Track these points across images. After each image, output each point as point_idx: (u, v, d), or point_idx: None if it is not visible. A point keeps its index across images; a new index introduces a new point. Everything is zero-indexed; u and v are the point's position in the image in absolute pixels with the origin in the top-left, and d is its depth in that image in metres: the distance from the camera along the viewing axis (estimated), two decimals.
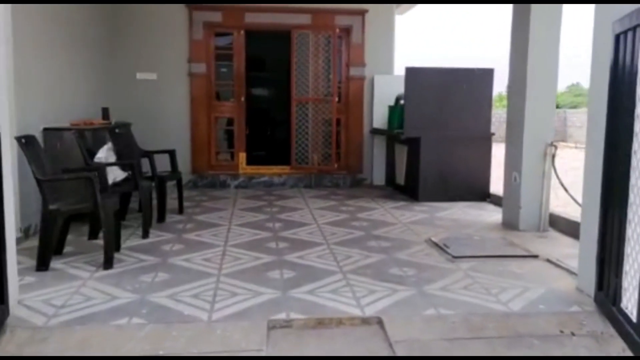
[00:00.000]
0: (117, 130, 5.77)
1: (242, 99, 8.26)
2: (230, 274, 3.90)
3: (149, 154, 5.67)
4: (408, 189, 7.28)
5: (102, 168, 4.37)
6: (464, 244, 4.69)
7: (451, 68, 6.93)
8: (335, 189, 7.90)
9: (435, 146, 6.83)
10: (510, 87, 5.51)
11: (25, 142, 3.84)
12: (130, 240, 4.81)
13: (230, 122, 8.51)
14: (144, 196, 4.83)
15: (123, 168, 5.10)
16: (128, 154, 5.54)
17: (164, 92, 7.98)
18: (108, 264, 3.91)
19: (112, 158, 5.02)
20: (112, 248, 3.98)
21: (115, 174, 4.91)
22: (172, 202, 6.12)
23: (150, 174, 5.72)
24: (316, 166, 8.25)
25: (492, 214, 6.14)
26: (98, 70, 7.26)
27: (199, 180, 7.90)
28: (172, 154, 6.08)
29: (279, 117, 10.13)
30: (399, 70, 8.52)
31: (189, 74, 7.97)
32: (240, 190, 7.80)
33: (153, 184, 5.50)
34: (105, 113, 7.17)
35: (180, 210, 6.08)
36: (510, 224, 5.47)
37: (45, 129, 5.21)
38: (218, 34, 8.21)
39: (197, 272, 3.93)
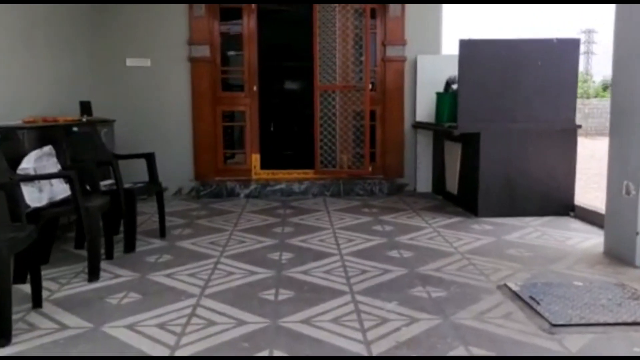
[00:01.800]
0: (74, 129, 4.36)
1: (255, 88, 6.76)
2: (206, 351, 2.42)
3: (112, 162, 4.20)
4: (463, 199, 5.64)
5: (8, 185, 2.93)
6: (562, 295, 3.05)
7: (520, 39, 5.25)
8: (369, 199, 6.32)
9: (500, 144, 5.17)
10: (617, 59, 3.82)
11: None
12: (69, 285, 3.38)
13: (241, 116, 7.04)
14: (89, 223, 3.37)
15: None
16: (87, 161, 4.12)
17: (160, 82, 6.57)
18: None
19: (51, 167, 3.61)
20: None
21: (53, 192, 3.49)
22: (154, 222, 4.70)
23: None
24: (345, 170, 6.69)
25: (584, 237, 4.44)
26: (77, 54, 5.90)
27: (203, 189, 6.45)
28: (149, 158, 4.63)
29: (300, 110, 8.62)
30: (449, 49, 6.89)
31: (189, 58, 6.54)
32: (251, 201, 6.31)
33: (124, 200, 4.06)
34: (84, 108, 5.81)
35: (162, 233, 4.63)
36: (618, 256, 3.79)
37: None
38: (224, 11, 6.73)
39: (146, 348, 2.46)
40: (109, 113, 6.19)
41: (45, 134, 4.12)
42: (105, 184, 4.30)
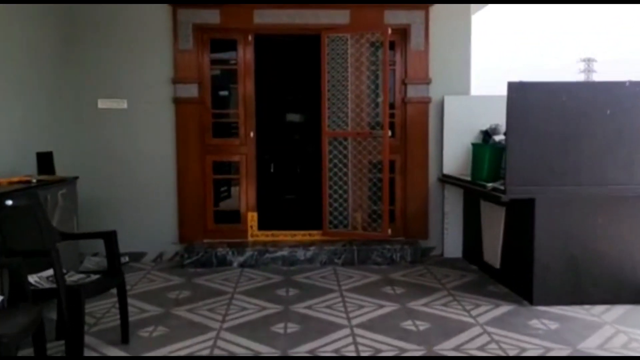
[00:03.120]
0: (8, 202, 3.25)
1: (252, 134, 5.70)
2: None
3: (50, 253, 3.04)
4: (510, 277, 4.53)
5: None
6: None
7: (584, 82, 4.35)
8: (390, 270, 5.20)
9: (560, 212, 4.09)
10: None
11: None
12: None
13: (234, 167, 5.97)
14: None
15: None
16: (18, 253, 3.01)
17: (138, 127, 5.51)
18: None
19: None
20: None
21: None
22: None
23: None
24: (360, 231, 5.60)
25: None
26: (37, 94, 4.84)
27: (188, 256, 5.33)
28: (108, 238, 3.51)
29: (304, 159, 7.60)
30: (478, 89, 5.89)
31: (173, 99, 5.49)
32: (247, 272, 5.18)
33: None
34: (44, 161, 4.74)
35: (125, 337, 3.48)
36: None
37: None
38: (215, 42, 5.71)
39: None
40: (74, 166, 5.13)
41: None
42: (48, 275, 3.20)
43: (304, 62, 7.32)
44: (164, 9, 5.41)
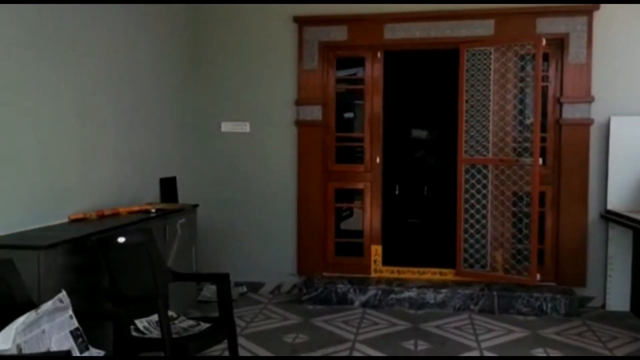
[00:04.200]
0: (120, 240, 3.02)
1: (378, 159, 5.20)
2: None
3: (157, 302, 2.69)
4: None
5: None
6: None
7: None
8: (539, 323, 4.38)
9: None
10: None
11: None
12: None
13: (357, 195, 5.50)
14: None
15: None
16: (130, 297, 2.75)
17: (260, 150, 5.24)
18: None
19: (56, 332, 2.25)
20: None
21: None
22: None
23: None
24: (501, 273, 4.84)
25: None
26: (162, 120, 4.74)
27: (306, 291, 4.92)
28: (220, 282, 3.16)
29: (435, 187, 6.92)
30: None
31: (296, 122, 5.15)
32: (369, 314, 4.65)
33: None
34: (167, 187, 4.62)
35: None
36: None
37: None
38: (341, 60, 5.30)
39: None
40: (195, 191, 4.99)
41: (73, 253, 2.84)
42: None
43: (433, 76, 6.72)
44: (290, 28, 5.10)
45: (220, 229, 5.22)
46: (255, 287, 5.26)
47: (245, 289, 5.22)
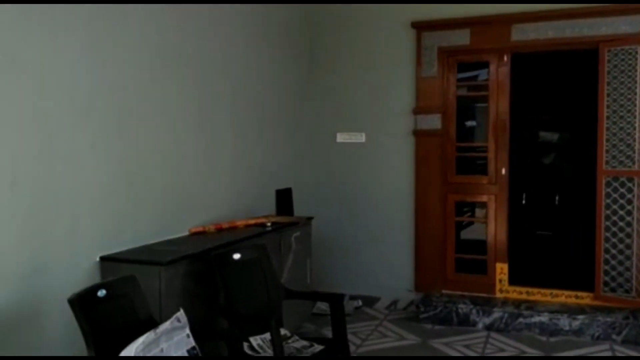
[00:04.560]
0: (235, 257, 3.02)
1: (504, 171, 4.82)
2: None
3: (270, 322, 2.60)
4: None
5: None
6: None
7: None
8: None
9: None
10: None
11: None
12: None
13: (479, 206, 5.15)
14: None
15: None
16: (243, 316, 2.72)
17: (376, 162, 5.09)
18: None
19: (173, 351, 2.26)
20: None
21: None
22: None
23: None
24: None
25: None
26: (280, 131, 4.78)
27: (424, 309, 4.67)
28: (334, 302, 3.04)
29: (568, 196, 6.30)
30: None
31: (414, 132, 4.94)
32: (494, 338, 4.31)
33: None
34: (283, 198, 4.64)
35: None
36: None
37: (103, 259, 2.78)
38: (463, 65, 5.00)
39: None
40: (310, 203, 4.96)
41: (192, 269, 2.89)
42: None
43: (564, 78, 6.15)
44: (407, 34, 4.90)
45: (335, 242, 5.15)
46: (370, 301, 5.11)
47: (360, 302, 5.09)
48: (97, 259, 2.76)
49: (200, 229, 3.54)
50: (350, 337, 4.22)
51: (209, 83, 3.76)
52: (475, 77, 5.22)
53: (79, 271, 2.65)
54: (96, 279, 2.72)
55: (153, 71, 3.19)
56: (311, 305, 4.74)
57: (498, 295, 4.80)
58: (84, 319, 2.10)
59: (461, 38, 4.76)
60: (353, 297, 5.05)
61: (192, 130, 3.59)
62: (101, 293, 2.27)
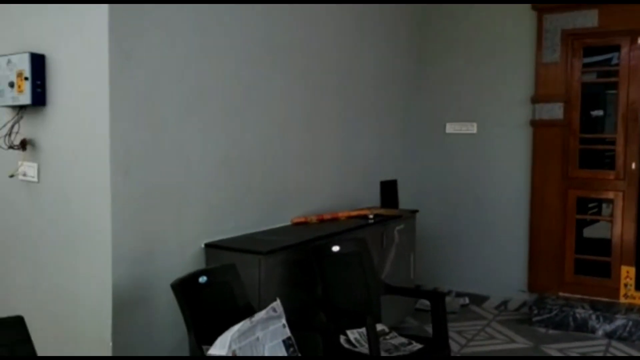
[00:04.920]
0: (334, 249, 3.01)
1: (633, 165, 4.36)
2: None
3: (366, 319, 2.54)
4: None
5: None
6: None
7: None
8: None
9: None
10: None
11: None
12: None
13: (606, 206, 4.70)
14: None
15: None
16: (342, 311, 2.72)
17: (488, 154, 4.84)
18: None
19: (268, 340, 2.31)
20: None
21: None
22: None
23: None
24: None
25: None
26: (387, 121, 4.70)
27: (537, 312, 4.38)
28: (435, 300, 2.93)
29: None
30: None
31: (531, 122, 4.62)
32: (616, 346, 3.93)
33: None
34: (388, 190, 4.59)
35: None
36: None
37: (207, 246, 2.91)
38: (589, 50, 4.57)
39: None
40: (416, 195, 4.84)
41: (291, 259, 2.93)
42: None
43: None
44: (527, 18, 4.58)
45: (442, 236, 4.98)
46: (478, 299, 4.89)
47: (467, 300, 4.89)
48: (202, 245, 2.89)
49: (302, 219, 3.58)
50: (454, 336, 4.09)
51: (315, 75, 3.77)
52: (607, 61, 4.75)
53: (185, 257, 2.79)
54: (201, 265, 2.85)
55: (259, 64, 3.25)
56: (414, 300, 4.63)
57: (622, 300, 4.38)
58: (185, 303, 2.20)
59: (588, 19, 4.35)
60: (460, 294, 4.87)
61: (296, 121, 3.62)
62: (202, 279, 2.38)
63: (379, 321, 3.03)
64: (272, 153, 3.40)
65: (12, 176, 2.68)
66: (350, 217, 3.83)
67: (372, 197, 4.49)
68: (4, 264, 2.83)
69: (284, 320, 2.46)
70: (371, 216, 3.86)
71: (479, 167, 4.87)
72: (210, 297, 2.38)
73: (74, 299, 2.56)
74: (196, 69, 2.83)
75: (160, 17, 2.60)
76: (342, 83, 4.07)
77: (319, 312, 2.82)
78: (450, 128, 4.98)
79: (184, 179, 2.78)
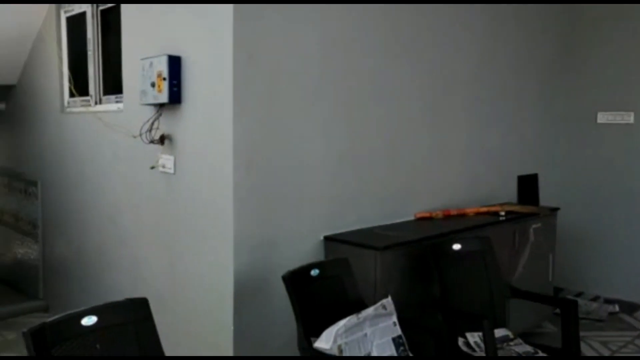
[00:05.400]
0: (455, 247, 2.89)
1: None
2: None
3: (483, 325, 2.40)
4: None
5: None
6: None
7: None
8: None
9: None
10: None
11: None
12: None
13: None
14: None
15: None
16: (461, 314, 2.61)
17: None
18: None
19: (378, 337, 2.29)
20: None
21: None
22: None
23: None
24: None
25: None
26: (526, 111, 4.40)
27: None
28: (566, 307, 2.67)
29: None
30: None
31: None
32: None
33: None
34: (526, 185, 4.32)
35: None
36: None
37: (327, 238, 2.97)
38: None
39: None
40: (558, 191, 4.46)
41: (408, 256, 2.87)
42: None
43: None
44: None
45: (588, 236, 4.54)
46: (630, 308, 4.40)
47: (617, 308, 4.42)
48: (322, 238, 2.94)
49: (427, 214, 3.49)
50: (597, 346, 3.74)
51: (444, 65, 3.62)
52: None
53: (304, 248, 2.87)
54: (320, 257, 2.91)
55: (382, 57, 3.21)
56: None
57: None
58: (295, 295, 2.26)
59: None
60: (608, 301, 4.42)
61: (423, 113, 3.52)
62: (314, 272, 2.43)
63: (503, 325, 2.86)
64: (396, 146, 3.35)
65: (152, 168, 2.96)
66: (479, 214, 3.65)
67: (508, 193, 4.23)
68: (146, 247, 3.14)
69: (394, 318, 2.43)
70: (502, 213, 3.64)
71: (636, 160, 4.34)
72: (321, 290, 2.42)
73: (201, 283, 2.77)
74: (316, 64, 2.87)
75: (281, 15, 2.68)
76: (474, 72, 3.87)
77: (436, 312, 2.73)
78: (602, 118, 4.50)
79: (303, 172, 2.85)
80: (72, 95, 3.89)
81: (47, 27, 4.01)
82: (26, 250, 4.53)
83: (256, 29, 2.60)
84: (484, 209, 3.71)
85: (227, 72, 2.54)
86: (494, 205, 3.84)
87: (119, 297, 1.94)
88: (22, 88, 4.46)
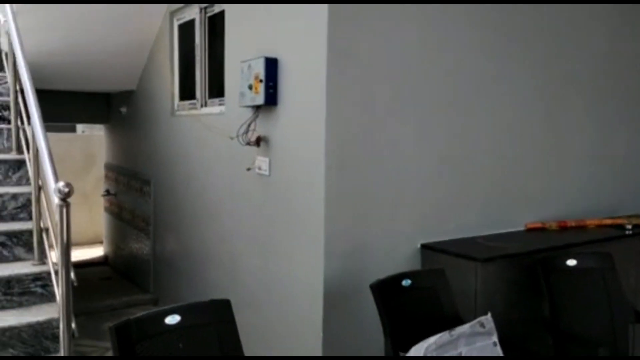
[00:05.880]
0: (570, 264, 2.58)
1: None
2: None
3: None
4: None
5: None
6: None
7: None
8: None
9: None
10: None
11: None
12: None
13: None
14: None
15: None
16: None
17: None
18: None
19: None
20: None
21: None
22: None
23: None
24: None
25: None
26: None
27: None
28: None
29: None
30: None
31: None
32: None
33: None
34: None
35: None
36: None
37: (424, 247, 2.80)
38: None
39: None
40: None
41: (514, 269, 2.62)
42: None
43: None
44: None
45: None
46: None
47: None
48: (418, 245, 2.78)
49: (539, 225, 3.19)
50: None
51: (560, 64, 3.29)
52: None
53: (399, 255, 2.72)
54: (416, 266, 2.75)
55: (489, 55, 2.98)
56: None
57: None
58: (383, 306, 2.13)
59: None
60: None
61: (536, 116, 3.23)
62: (406, 282, 2.28)
63: (625, 353, 2.51)
64: (504, 151, 3.10)
65: (249, 169, 2.97)
66: (600, 226, 3.27)
67: (637, 205, 3.77)
68: (243, 247, 3.17)
69: (495, 338, 2.20)
70: (629, 226, 3.23)
71: None
72: (414, 301, 2.27)
73: (292, 285, 2.72)
74: (414, 64, 2.72)
75: (377, 15, 2.57)
76: (597, 71, 3.49)
77: (545, 334, 2.46)
78: None
79: (399, 176, 2.70)
80: (181, 98, 4.07)
81: (162, 35, 4.22)
82: (140, 246, 4.81)
83: (351, 29, 2.51)
84: (608, 221, 3.32)
85: (321, 74, 2.47)
86: (619, 217, 3.42)
87: (219, 294, 1.94)
88: (140, 93, 4.75)
